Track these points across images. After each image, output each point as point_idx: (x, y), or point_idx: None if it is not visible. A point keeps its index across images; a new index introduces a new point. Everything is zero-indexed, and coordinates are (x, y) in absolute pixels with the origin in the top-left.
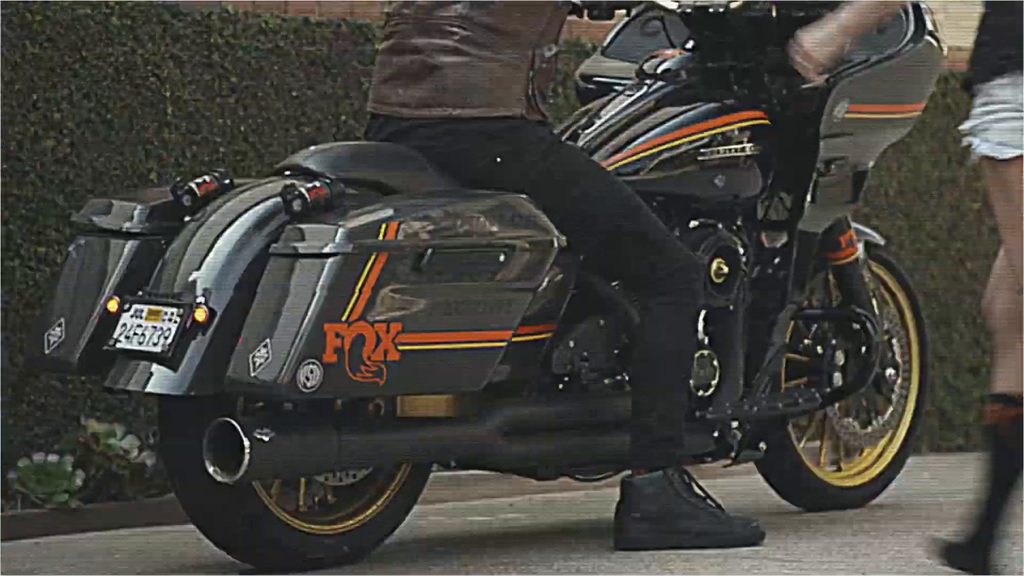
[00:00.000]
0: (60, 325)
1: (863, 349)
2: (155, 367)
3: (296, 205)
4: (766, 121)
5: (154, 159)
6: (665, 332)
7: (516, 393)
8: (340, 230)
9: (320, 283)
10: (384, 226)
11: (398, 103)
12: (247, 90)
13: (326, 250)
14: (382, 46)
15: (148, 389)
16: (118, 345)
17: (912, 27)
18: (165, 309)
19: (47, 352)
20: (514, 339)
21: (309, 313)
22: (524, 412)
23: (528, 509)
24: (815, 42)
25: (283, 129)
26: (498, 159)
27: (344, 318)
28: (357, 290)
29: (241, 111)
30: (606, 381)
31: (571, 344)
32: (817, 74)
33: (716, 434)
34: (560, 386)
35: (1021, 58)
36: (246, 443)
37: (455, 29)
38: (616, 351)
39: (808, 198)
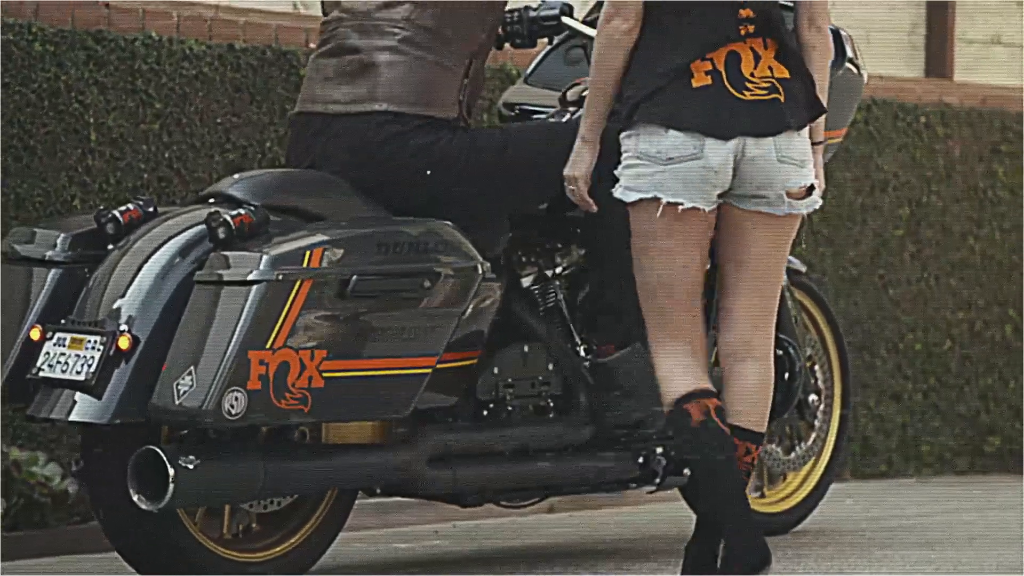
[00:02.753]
0: None
1: (786, 375)
2: (78, 395)
3: (221, 232)
4: None
5: (78, 185)
6: (617, 235)
7: (442, 420)
8: (264, 257)
9: (244, 310)
10: (308, 253)
11: (329, 100)
12: (171, 116)
13: (250, 277)
14: (317, 51)
15: (72, 418)
16: (41, 374)
17: (832, 54)
18: (88, 337)
19: None
20: (439, 366)
21: (233, 340)
22: (450, 439)
23: (453, 536)
24: (569, 165)
25: (208, 156)
26: (428, 171)
27: (269, 345)
28: (282, 317)
29: (165, 137)
30: (531, 408)
31: (496, 371)
32: (585, 196)
33: (641, 460)
34: (485, 413)
35: (635, 114)
36: (171, 471)
37: (396, 30)
38: (541, 378)
39: None
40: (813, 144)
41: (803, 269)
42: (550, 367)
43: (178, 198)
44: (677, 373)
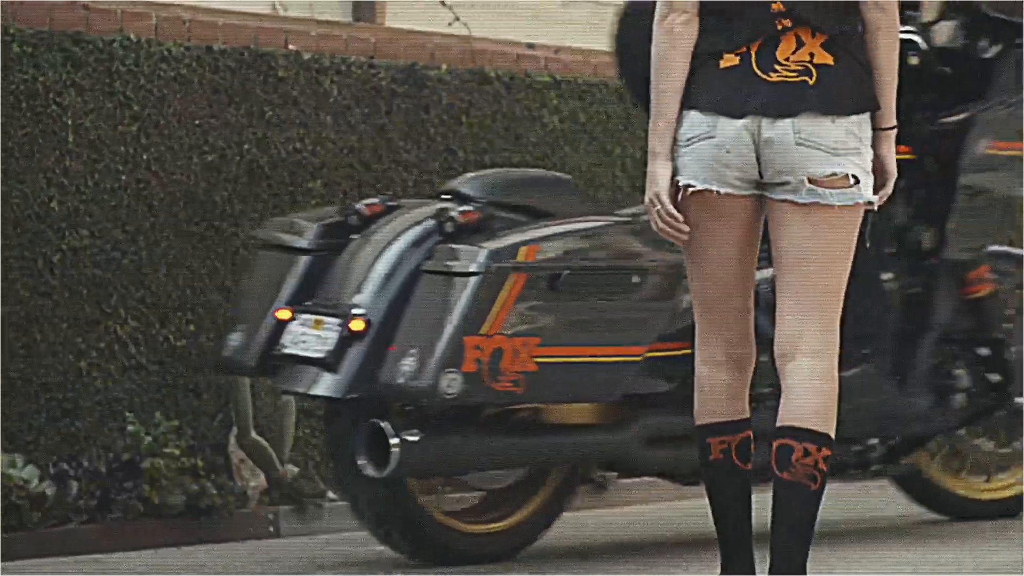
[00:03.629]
0: (240, 331)
1: (999, 375)
2: (318, 372)
3: (448, 227)
4: (910, 156)
5: (55, 187)
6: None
7: (658, 404)
8: (482, 251)
9: (462, 299)
10: (523, 248)
11: None
12: (149, 118)
13: (469, 269)
14: None
15: (312, 392)
16: (285, 350)
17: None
18: (327, 319)
19: (225, 355)
20: (658, 354)
21: (451, 326)
22: (663, 421)
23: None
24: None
25: (186, 157)
26: None
27: (484, 331)
28: (496, 306)
29: (143, 139)
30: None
31: None
32: (672, 211)
33: (859, 448)
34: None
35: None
36: (393, 442)
37: None
38: (754, 368)
39: (952, 228)
40: (881, 130)
41: None
42: (763, 359)
43: (155, 200)
44: (711, 391)
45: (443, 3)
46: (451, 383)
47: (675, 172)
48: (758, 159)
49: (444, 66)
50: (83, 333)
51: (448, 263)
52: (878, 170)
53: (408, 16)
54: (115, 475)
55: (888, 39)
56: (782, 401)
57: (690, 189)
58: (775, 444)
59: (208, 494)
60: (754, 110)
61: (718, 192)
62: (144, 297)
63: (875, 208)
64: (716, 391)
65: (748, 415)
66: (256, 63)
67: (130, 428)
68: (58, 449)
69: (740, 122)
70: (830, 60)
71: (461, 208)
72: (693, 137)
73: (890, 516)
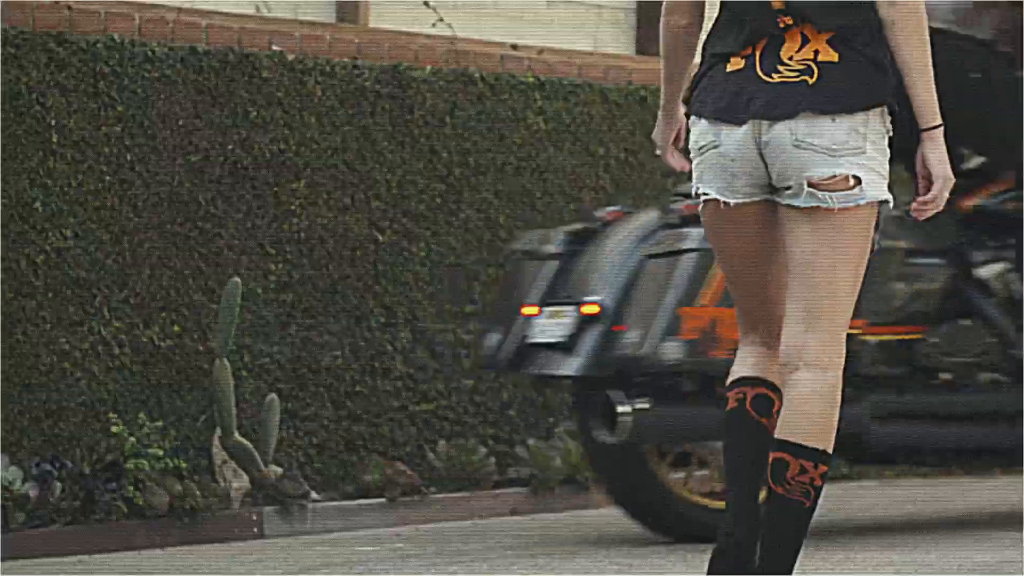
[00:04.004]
0: (496, 331)
1: None
2: (560, 355)
3: (673, 219)
4: None
5: (39, 188)
6: None
7: (887, 385)
8: (693, 232)
9: (679, 274)
10: None
11: None
12: (133, 119)
13: (685, 247)
14: None
15: (557, 373)
16: (533, 340)
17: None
18: (566, 308)
19: (483, 354)
20: (886, 337)
21: (668, 299)
22: (893, 400)
23: (414, 538)
24: None
25: (170, 158)
26: None
27: (701, 303)
28: (712, 279)
29: (127, 140)
30: (972, 378)
31: (936, 342)
32: (667, 160)
33: None
34: (929, 381)
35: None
36: (622, 409)
37: None
38: (979, 351)
39: None
40: (923, 131)
41: None
42: (987, 342)
43: (139, 201)
44: (740, 359)
45: (427, 4)
46: (671, 351)
47: (696, 181)
48: (765, 163)
49: (428, 67)
50: (67, 334)
51: (665, 246)
52: (923, 174)
53: (392, 17)
54: (99, 476)
55: (907, 34)
56: (782, 413)
57: (704, 197)
58: (772, 457)
59: (192, 495)
60: (754, 114)
61: (727, 203)
62: (128, 298)
63: (890, 206)
64: (746, 356)
65: (776, 381)
66: (240, 64)
67: (114, 429)
68: (41, 450)
69: (742, 130)
70: (834, 57)
71: (686, 202)
72: (703, 146)
73: (875, 516)
